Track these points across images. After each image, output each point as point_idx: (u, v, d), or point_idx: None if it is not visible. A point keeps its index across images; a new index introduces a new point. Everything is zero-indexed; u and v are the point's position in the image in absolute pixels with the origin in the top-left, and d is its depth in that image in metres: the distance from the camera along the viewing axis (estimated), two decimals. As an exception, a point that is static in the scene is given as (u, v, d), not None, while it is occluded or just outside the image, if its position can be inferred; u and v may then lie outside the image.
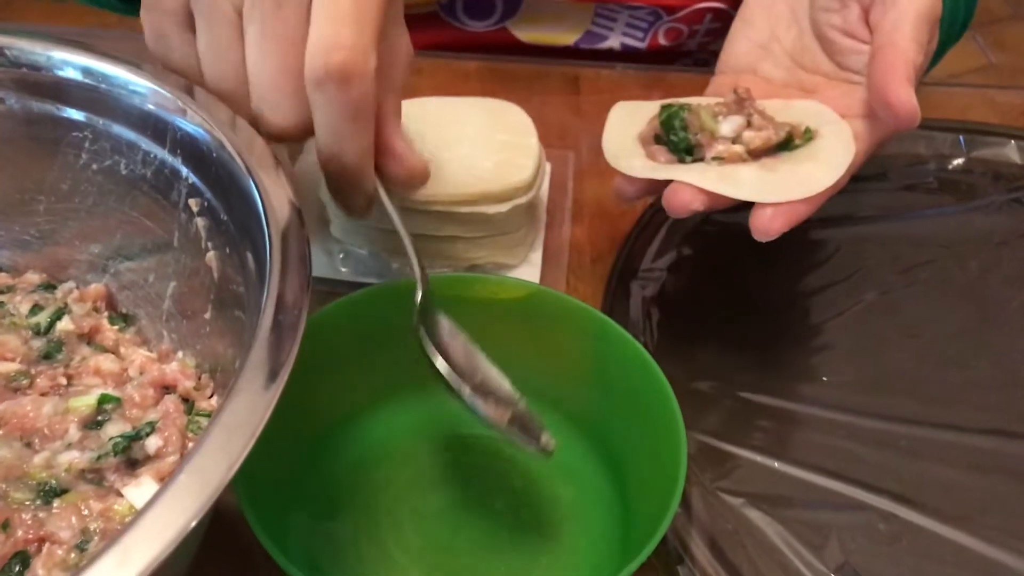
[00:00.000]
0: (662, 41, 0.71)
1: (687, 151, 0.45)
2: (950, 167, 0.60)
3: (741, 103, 0.46)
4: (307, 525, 0.42)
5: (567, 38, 0.70)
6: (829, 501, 0.43)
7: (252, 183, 0.35)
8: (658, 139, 0.46)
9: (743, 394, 0.48)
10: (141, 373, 0.41)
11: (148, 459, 0.37)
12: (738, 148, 0.44)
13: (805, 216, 0.43)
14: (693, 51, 0.73)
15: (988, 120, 0.62)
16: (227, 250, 0.37)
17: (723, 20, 0.72)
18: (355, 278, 0.53)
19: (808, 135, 0.46)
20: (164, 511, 0.25)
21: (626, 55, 0.71)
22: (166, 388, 0.40)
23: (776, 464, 0.45)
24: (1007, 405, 0.47)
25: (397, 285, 0.47)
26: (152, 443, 0.37)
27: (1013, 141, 0.61)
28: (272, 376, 0.30)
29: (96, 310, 0.44)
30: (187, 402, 0.39)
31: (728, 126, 0.45)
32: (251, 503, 0.36)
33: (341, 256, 0.54)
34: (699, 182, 0.43)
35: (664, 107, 0.47)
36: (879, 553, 0.41)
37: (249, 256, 0.35)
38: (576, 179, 0.60)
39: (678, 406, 0.40)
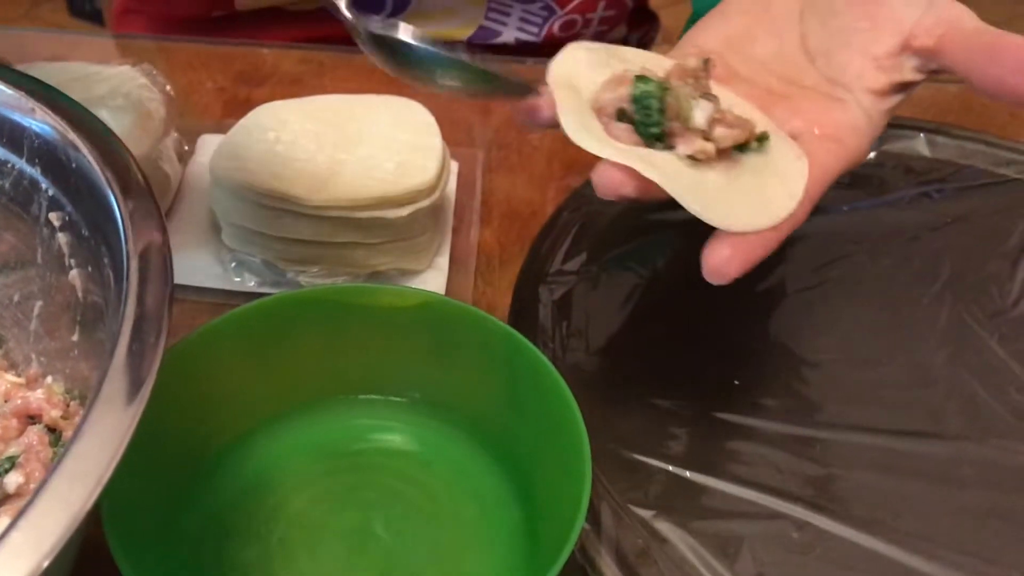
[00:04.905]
0: (557, 32, 0.69)
1: (658, 138, 0.39)
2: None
3: (699, 78, 0.40)
4: (191, 559, 0.39)
5: (460, 33, 0.69)
6: (742, 511, 0.42)
7: (109, 191, 0.32)
8: (621, 114, 0.39)
9: (655, 401, 0.46)
10: (5, 401, 0.38)
11: (8, 498, 0.34)
12: (710, 147, 0.39)
13: (763, 256, 0.39)
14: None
15: (898, 113, 0.62)
16: (89, 268, 0.34)
17: (617, 7, 0.70)
18: (248, 288, 0.50)
19: (764, 139, 0.41)
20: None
21: (522, 49, 0.69)
22: (31, 418, 0.37)
23: (688, 474, 0.43)
24: (917, 404, 0.47)
25: (292, 296, 0.44)
26: (12, 480, 0.34)
27: (923, 134, 0.60)
28: (127, 403, 0.27)
29: (-42, 332, 0.41)
30: (53, 432, 0.36)
31: (701, 115, 0.39)
32: (121, 539, 0.34)
33: (233, 265, 0.51)
34: (669, 183, 0.37)
35: (639, 79, 0.39)
36: (792, 563, 0.40)
37: (108, 271, 0.32)
38: (485, 178, 0.58)
39: (583, 421, 0.38)
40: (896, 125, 0.61)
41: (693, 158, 0.39)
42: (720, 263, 0.38)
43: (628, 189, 0.37)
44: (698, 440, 0.45)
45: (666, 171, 0.38)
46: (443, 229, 0.54)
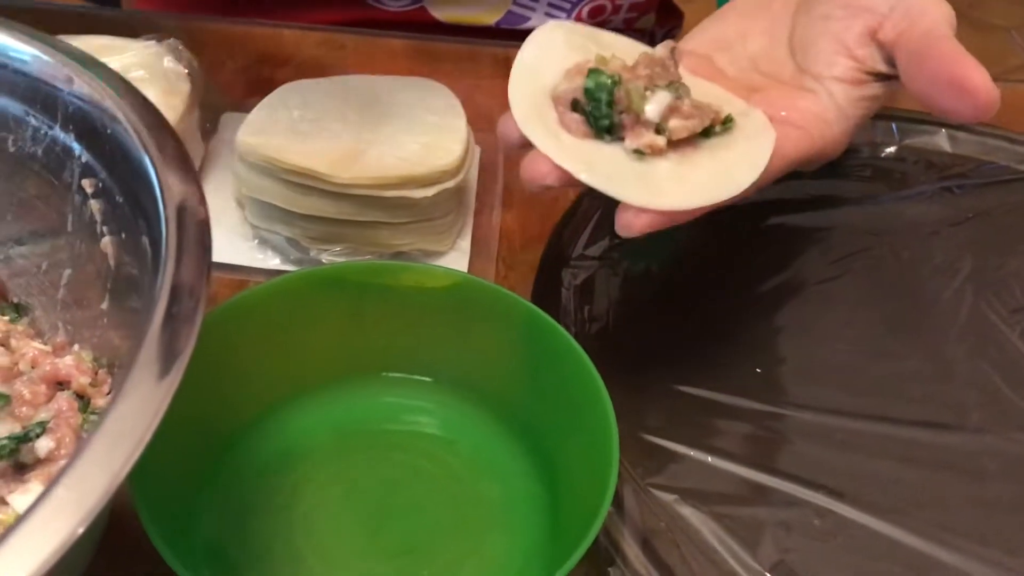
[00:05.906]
0: (586, 18, 0.69)
1: (607, 130, 0.40)
2: (883, 155, 0.60)
3: (666, 66, 0.41)
4: (215, 529, 0.39)
5: (487, 18, 0.68)
6: (764, 497, 0.42)
7: (147, 159, 0.32)
8: (575, 105, 0.40)
9: (676, 387, 0.46)
10: (33, 367, 0.38)
11: (39, 463, 0.34)
12: (661, 142, 0.39)
13: (683, 220, 0.39)
14: (621, 30, 0.71)
15: (920, 108, 0.62)
16: (123, 235, 0.34)
17: None
18: (272, 266, 0.50)
19: (728, 122, 0.42)
20: (32, 533, 0.22)
21: None
22: (60, 384, 0.37)
23: (710, 459, 0.43)
24: (939, 396, 0.47)
25: (317, 273, 0.44)
26: (43, 445, 0.34)
27: (944, 129, 0.60)
28: (165, 370, 0.27)
29: (-16, 299, 0.41)
30: (82, 399, 0.36)
31: (655, 108, 0.39)
32: (150, 509, 0.34)
33: (256, 242, 0.51)
34: (609, 182, 0.38)
35: (593, 72, 0.40)
36: (814, 550, 0.40)
37: (144, 239, 0.32)
38: (506, 163, 0.58)
39: (610, 400, 0.38)
40: (918, 120, 0.61)
41: (640, 152, 0.40)
42: (628, 217, 0.39)
43: (551, 180, 0.39)
44: (720, 427, 0.45)
45: (598, 163, 0.39)
46: (466, 211, 0.54)
